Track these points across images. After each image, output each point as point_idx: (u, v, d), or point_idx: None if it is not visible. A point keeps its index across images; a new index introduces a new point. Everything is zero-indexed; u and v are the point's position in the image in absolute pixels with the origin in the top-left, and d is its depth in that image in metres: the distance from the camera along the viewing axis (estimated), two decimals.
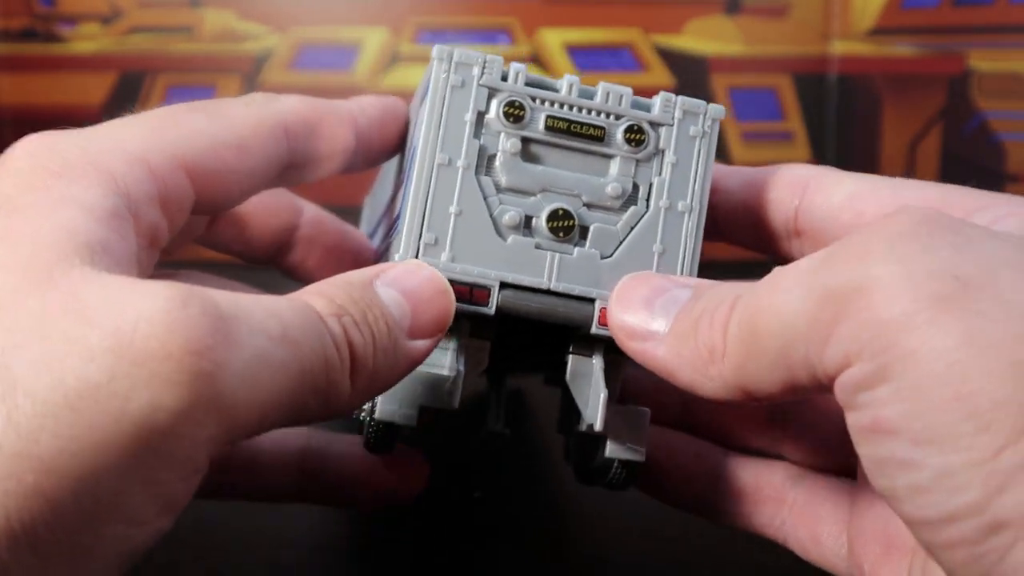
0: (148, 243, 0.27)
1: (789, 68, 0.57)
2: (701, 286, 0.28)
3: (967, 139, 0.57)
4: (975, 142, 0.57)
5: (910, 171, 0.57)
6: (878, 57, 0.57)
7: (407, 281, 0.27)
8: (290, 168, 0.31)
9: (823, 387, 0.24)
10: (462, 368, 0.30)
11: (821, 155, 0.57)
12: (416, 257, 0.29)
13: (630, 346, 0.28)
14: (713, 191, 0.32)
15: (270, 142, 0.30)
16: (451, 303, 0.28)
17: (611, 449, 0.31)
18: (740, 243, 0.34)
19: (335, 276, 0.27)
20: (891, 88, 0.57)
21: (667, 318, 0.28)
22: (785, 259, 0.31)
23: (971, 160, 0.57)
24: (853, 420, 0.23)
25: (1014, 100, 0.57)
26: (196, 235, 0.36)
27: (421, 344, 0.27)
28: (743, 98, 0.58)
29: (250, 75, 0.57)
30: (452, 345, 0.30)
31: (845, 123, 0.57)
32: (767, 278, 0.26)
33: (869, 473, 0.23)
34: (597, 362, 0.31)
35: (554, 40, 0.57)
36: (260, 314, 0.23)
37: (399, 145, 0.34)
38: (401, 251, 0.29)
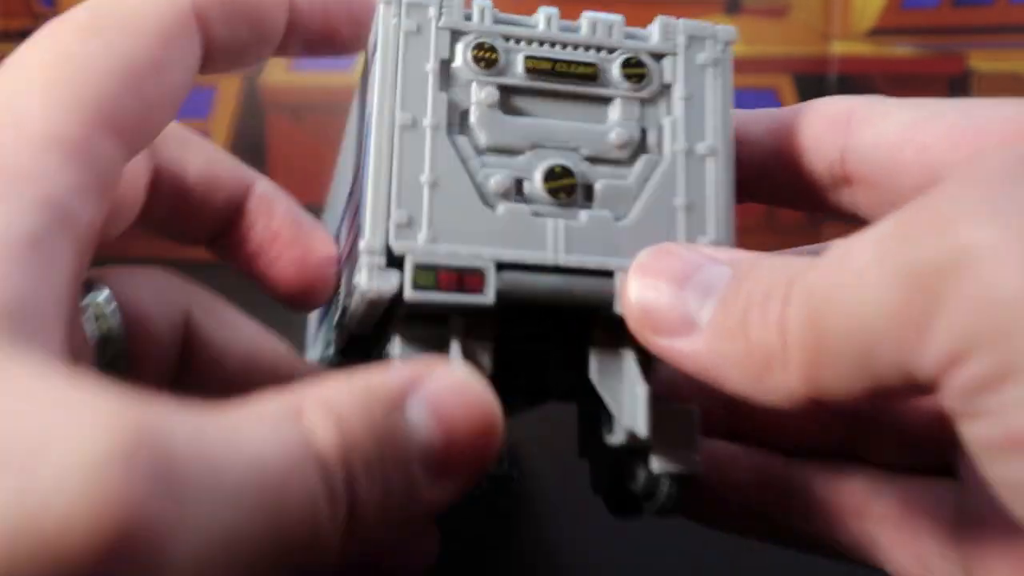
0: (82, 250, 0.21)
1: (789, 68, 0.58)
2: (741, 263, 0.22)
3: None
4: None
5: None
6: (878, 57, 0.57)
7: (449, 404, 0.20)
8: (209, 61, 0.25)
9: (922, 390, 0.19)
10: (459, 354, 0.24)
11: None
12: (387, 242, 0.23)
13: (656, 342, 0.23)
14: (738, 137, 0.27)
15: (184, 43, 0.24)
16: (497, 441, 0.21)
17: (659, 462, 0.25)
18: (775, 201, 0.28)
19: (354, 378, 0.20)
20: (891, 88, 0.57)
21: (703, 305, 0.22)
22: (834, 213, 0.27)
23: None
24: (975, 432, 0.18)
25: None
26: (128, 215, 0.28)
27: (445, 490, 0.20)
28: (743, 98, 0.58)
29: (250, 75, 0.57)
30: (451, 349, 0.24)
31: None
32: (828, 257, 0.20)
33: (1004, 498, 0.19)
34: (628, 353, 0.25)
35: None
36: (230, 459, 0.17)
37: (352, 39, 0.28)
38: (367, 236, 0.23)
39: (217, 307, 0.29)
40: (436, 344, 0.24)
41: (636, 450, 0.25)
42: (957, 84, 0.57)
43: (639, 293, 0.23)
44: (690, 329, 0.22)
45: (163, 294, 0.28)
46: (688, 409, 0.26)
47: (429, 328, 0.24)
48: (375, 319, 0.25)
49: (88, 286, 0.27)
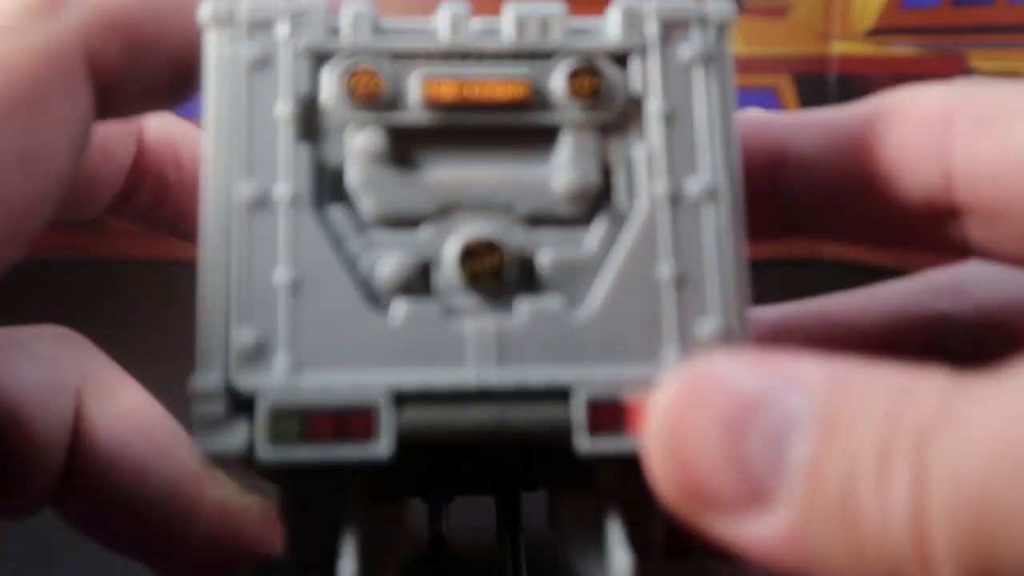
0: None
1: (789, 68, 0.58)
2: (827, 384, 0.14)
3: None
4: None
5: None
6: (878, 57, 0.57)
7: None
8: (109, 108, 0.20)
9: None
10: (353, 570, 0.17)
11: None
12: (228, 379, 0.16)
13: (707, 523, 0.15)
14: (778, 157, 0.20)
15: (68, 105, 0.19)
16: None
17: None
18: (836, 237, 0.21)
19: None
20: (891, 88, 0.57)
21: (778, 464, 0.14)
22: (933, 252, 0.20)
23: None
24: None
25: None
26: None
27: None
28: (743, 98, 0.58)
29: None
30: (346, 537, 0.17)
31: None
32: (983, 390, 0.13)
33: None
34: (610, 510, 0.17)
35: None
36: None
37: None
38: (197, 374, 0.17)
39: (112, 392, 0.22)
40: (337, 507, 0.17)
41: None
42: None
43: (670, 440, 0.15)
44: (761, 502, 0.14)
45: (50, 391, 0.21)
46: (707, 567, 0.18)
47: (323, 480, 0.18)
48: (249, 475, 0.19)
49: None
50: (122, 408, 0.22)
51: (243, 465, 0.17)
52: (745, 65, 0.58)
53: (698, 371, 0.15)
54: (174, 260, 0.34)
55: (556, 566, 0.20)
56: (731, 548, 0.15)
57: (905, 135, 0.19)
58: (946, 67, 0.57)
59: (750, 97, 0.58)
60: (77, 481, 0.21)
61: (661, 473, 0.15)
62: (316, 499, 0.18)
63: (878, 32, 0.57)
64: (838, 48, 0.57)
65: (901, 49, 0.57)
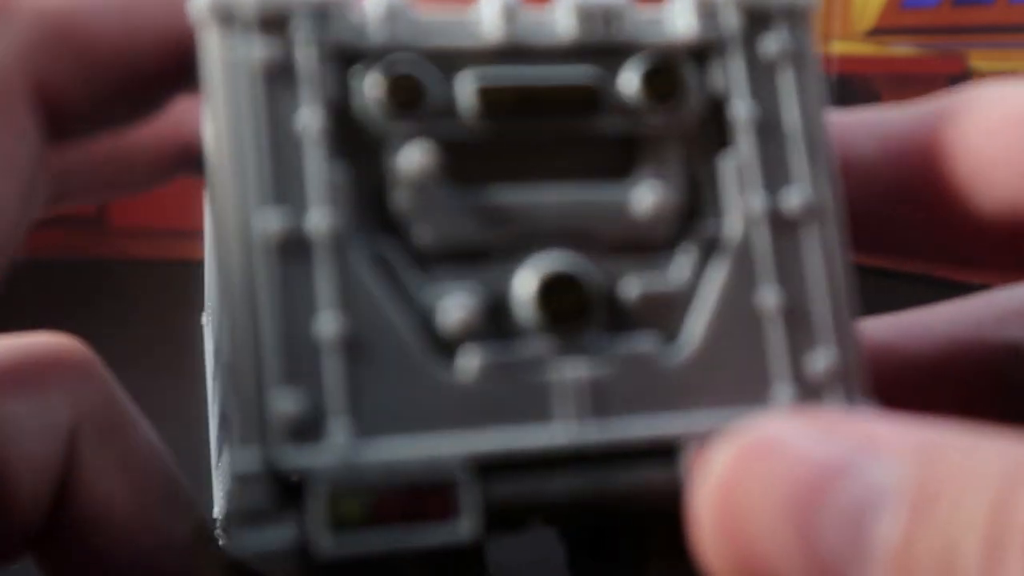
0: None
1: None
2: (922, 453, 0.12)
3: None
4: None
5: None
6: (878, 57, 0.57)
7: None
8: (63, 132, 0.17)
9: None
10: None
11: None
12: (270, 458, 0.13)
13: None
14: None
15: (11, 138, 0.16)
16: None
17: None
18: (895, 253, 0.19)
19: None
20: (891, 88, 0.57)
21: (858, 550, 0.12)
22: (1006, 272, 0.19)
23: None
24: None
25: None
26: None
27: None
28: None
29: None
30: None
31: None
32: None
33: None
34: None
35: None
36: None
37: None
38: (232, 454, 0.14)
39: (114, 437, 0.19)
40: None
41: None
42: (957, 84, 0.57)
43: (728, 524, 0.13)
44: None
45: (40, 432, 0.18)
46: None
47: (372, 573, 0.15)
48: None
49: None
50: (119, 457, 0.19)
51: (289, 563, 0.14)
52: None
53: (759, 434, 0.13)
54: (174, 260, 0.34)
55: None
56: None
57: (984, 138, 0.17)
58: (946, 67, 0.57)
59: None
60: (60, 536, 0.19)
61: (713, 551, 0.13)
62: None
63: (878, 32, 0.57)
64: (838, 48, 0.57)
65: (901, 49, 0.57)
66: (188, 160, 0.20)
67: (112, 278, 0.55)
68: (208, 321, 0.21)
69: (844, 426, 0.13)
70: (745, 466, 0.13)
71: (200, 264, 0.22)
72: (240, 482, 0.13)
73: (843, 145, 0.17)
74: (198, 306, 0.24)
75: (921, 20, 0.57)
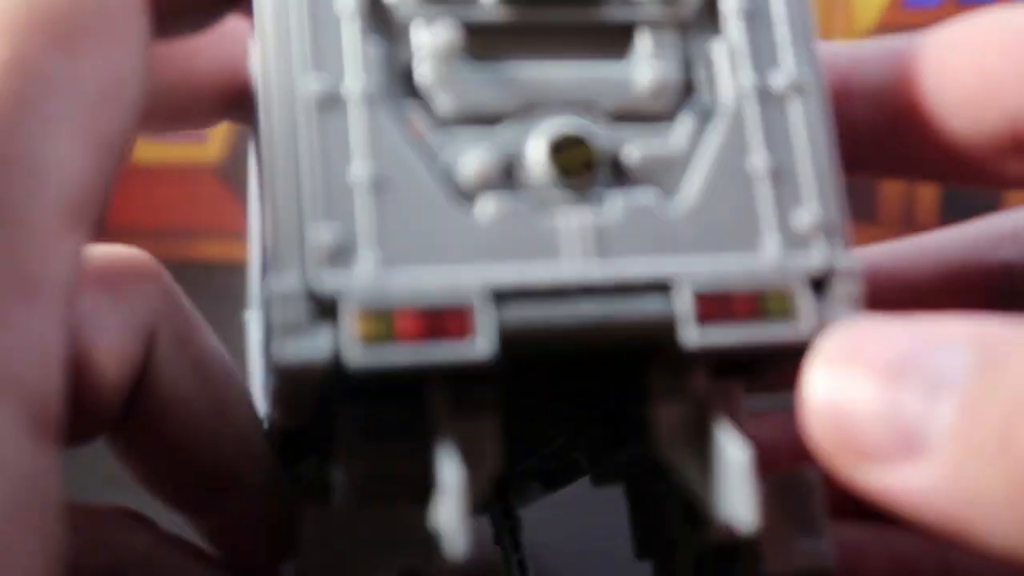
0: None
1: None
2: (987, 338, 0.15)
3: None
4: None
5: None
6: None
7: None
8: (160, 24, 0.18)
9: None
10: (459, 478, 0.15)
11: None
12: (308, 282, 0.15)
13: (857, 474, 0.15)
14: (844, 89, 0.20)
15: (136, 20, 0.17)
16: None
17: (777, 559, 0.18)
18: (900, 172, 0.21)
19: None
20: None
21: (933, 412, 0.14)
22: (1002, 187, 0.20)
23: None
24: None
25: None
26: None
27: None
28: None
29: None
30: (438, 456, 0.16)
31: None
32: None
33: None
34: (713, 411, 0.17)
35: None
36: None
37: None
38: (272, 275, 0.16)
39: (185, 339, 0.22)
40: (407, 437, 0.17)
41: (735, 549, 0.18)
42: None
43: (829, 393, 0.15)
44: (914, 452, 0.14)
45: (122, 335, 0.21)
46: (803, 476, 0.18)
47: (392, 409, 0.17)
48: (308, 406, 0.17)
49: None
50: (192, 359, 0.22)
51: (322, 380, 0.16)
52: None
53: (857, 330, 0.15)
54: (174, 261, 0.35)
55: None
56: (883, 500, 0.15)
57: (974, 55, 0.18)
58: None
59: None
60: (136, 424, 0.21)
61: (819, 430, 0.15)
62: (383, 428, 0.17)
63: (880, 31, 0.57)
64: None
65: None
66: (240, 103, 0.21)
67: None
68: (252, 317, 0.24)
69: (919, 320, 0.15)
70: (848, 355, 0.15)
71: (199, 264, 0.23)
72: (282, 300, 0.15)
73: (858, 71, 0.19)
74: (240, 303, 0.25)
75: (923, 20, 0.57)
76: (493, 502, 0.24)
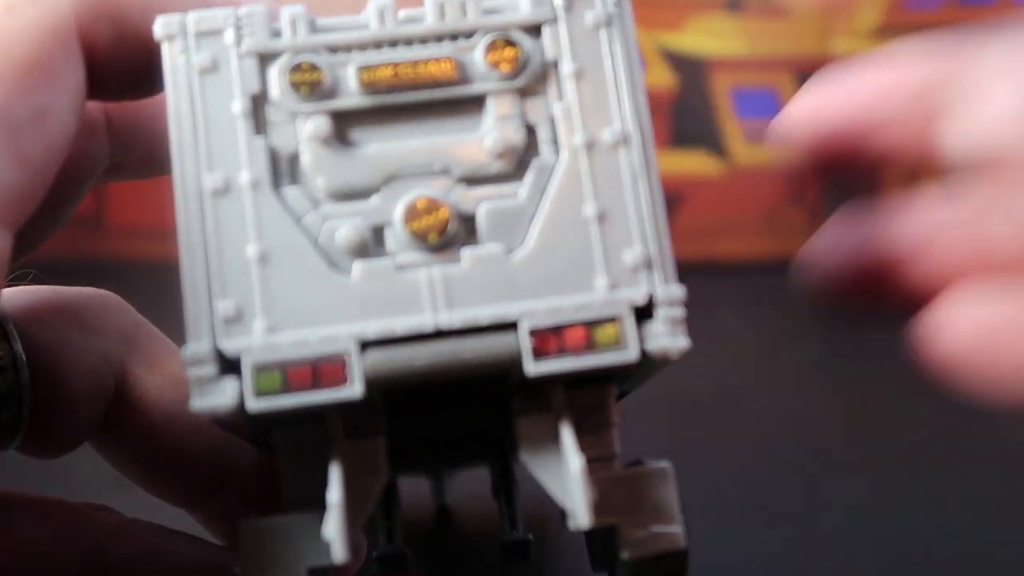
0: None
1: (790, 67, 0.57)
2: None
3: None
4: None
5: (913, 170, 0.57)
6: None
7: None
8: (96, 88, 0.22)
9: None
10: (339, 498, 0.19)
11: None
12: (215, 345, 0.19)
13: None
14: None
15: (68, 75, 0.20)
16: None
17: (629, 548, 0.20)
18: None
19: None
20: None
21: None
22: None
23: None
24: None
25: None
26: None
27: None
28: (744, 97, 0.58)
29: None
30: (331, 474, 0.19)
31: None
32: None
33: None
34: (561, 423, 0.20)
35: None
36: None
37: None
38: (189, 344, 0.19)
39: (158, 360, 0.25)
40: (322, 449, 0.20)
41: (604, 535, 0.21)
42: None
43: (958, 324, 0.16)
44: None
45: (91, 357, 0.24)
46: (659, 468, 0.20)
47: (309, 428, 0.20)
48: (248, 431, 0.21)
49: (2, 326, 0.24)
50: (168, 374, 0.24)
51: (236, 419, 0.19)
52: (746, 64, 0.57)
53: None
54: (174, 260, 0.34)
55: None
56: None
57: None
58: None
59: (752, 96, 0.57)
60: (122, 433, 0.25)
61: (949, 343, 0.18)
62: (304, 447, 0.20)
63: (881, 31, 0.57)
64: (840, 47, 0.57)
65: None
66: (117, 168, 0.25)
67: (112, 278, 0.55)
68: None
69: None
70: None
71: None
72: (195, 361, 0.19)
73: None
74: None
75: (925, 20, 0.57)
76: (493, 459, 0.27)
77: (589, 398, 0.21)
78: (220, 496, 0.25)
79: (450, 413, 0.22)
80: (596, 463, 0.20)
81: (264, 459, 0.25)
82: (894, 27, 0.57)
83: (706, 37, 0.58)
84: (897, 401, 0.42)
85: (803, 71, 0.58)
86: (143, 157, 0.25)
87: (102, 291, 0.26)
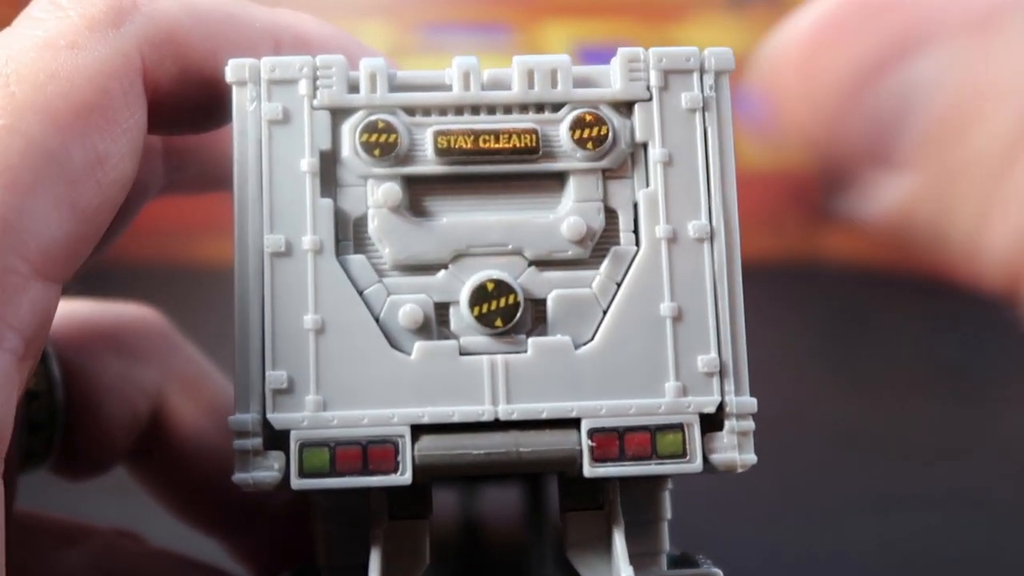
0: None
1: None
2: None
3: None
4: None
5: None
6: None
7: None
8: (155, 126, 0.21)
9: None
10: None
11: None
12: (264, 418, 0.18)
13: None
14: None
15: (132, 116, 0.20)
16: None
17: None
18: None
19: None
20: None
21: None
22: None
23: None
24: None
25: None
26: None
27: None
28: (745, 96, 0.58)
29: None
30: (372, 547, 0.19)
31: None
32: None
33: None
34: (615, 527, 0.19)
35: (557, 36, 0.57)
36: None
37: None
38: (237, 413, 0.19)
39: (196, 388, 0.25)
40: (364, 517, 0.19)
41: None
42: None
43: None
44: None
45: (126, 384, 0.24)
46: (710, 574, 0.20)
47: (353, 496, 0.19)
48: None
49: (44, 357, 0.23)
50: (205, 404, 0.24)
51: (280, 490, 0.19)
52: (748, 63, 0.58)
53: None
54: (175, 262, 0.34)
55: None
56: None
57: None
58: None
59: (751, 96, 0.58)
60: (157, 460, 0.25)
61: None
62: (345, 514, 0.20)
63: None
64: None
65: None
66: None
67: (112, 279, 0.55)
68: None
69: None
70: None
71: (199, 264, 0.25)
72: (243, 432, 0.18)
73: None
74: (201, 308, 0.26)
75: None
76: (527, 488, 0.26)
77: (643, 492, 0.20)
78: (251, 529, 0.25)
79: (494, 481, 0.21)
80: (643, 557, 0.19)
81: (299, 497, 0.24)
82: None
83: (707, 34, 0.58)
84: (900, 400, 0.42)
85: None
86: (196, 176, 0.24)
87: (143, 311, 0.25)
